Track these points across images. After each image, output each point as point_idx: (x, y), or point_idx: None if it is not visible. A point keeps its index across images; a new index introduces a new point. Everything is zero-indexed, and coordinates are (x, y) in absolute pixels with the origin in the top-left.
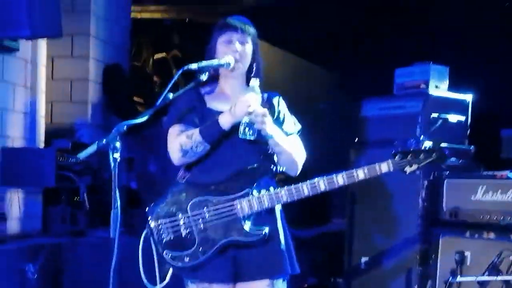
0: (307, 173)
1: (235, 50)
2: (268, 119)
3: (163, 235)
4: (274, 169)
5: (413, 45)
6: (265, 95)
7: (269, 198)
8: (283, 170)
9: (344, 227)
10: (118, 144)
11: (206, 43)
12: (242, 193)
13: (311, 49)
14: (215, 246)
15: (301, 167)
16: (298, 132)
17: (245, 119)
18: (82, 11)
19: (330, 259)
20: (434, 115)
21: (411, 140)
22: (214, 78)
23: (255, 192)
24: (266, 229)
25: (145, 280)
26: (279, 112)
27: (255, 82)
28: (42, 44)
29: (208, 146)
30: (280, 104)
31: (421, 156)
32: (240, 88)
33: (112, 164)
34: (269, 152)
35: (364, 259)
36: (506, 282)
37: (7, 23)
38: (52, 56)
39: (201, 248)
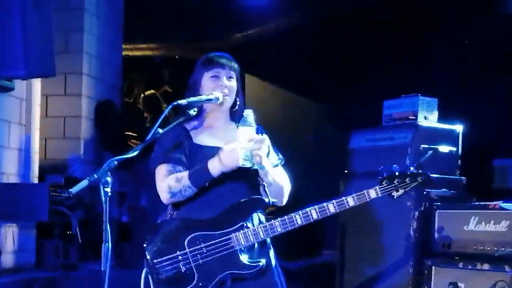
0: (298, 203)
1: (223, 85)
2: (265, 147)
3: (162, 273)
4: (266, 201)
5: (402, 78)
6: None
7: (264, 229)
8: (273, 201)
9: (335, 259)
10: (109, 179)
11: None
12: (237, 226)
13: (300, 82)
14: (214, 280)
15: (287, 197)
16: (281, 163)
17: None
18: (75, 50)
19: None
20: (424, 146)
21: (396, 166)
22: (199, 113)
23: (249, 224)
24: (263, 261)
25: None
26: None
27: (248, 112)
28: (36, 83)
29: (196, 190)
30: (264, 135)
31: (407, 180)
32: (225, 122)
33: (103, 199)
34: (259, 184)
35: None
36: None
37: (3, 64)
38: (46, 94)
39: (200, 283)
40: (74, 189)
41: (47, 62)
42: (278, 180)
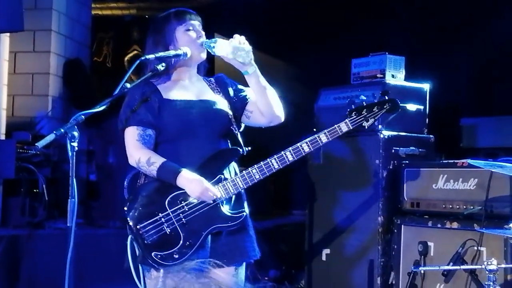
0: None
1: (201, 34)
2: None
3: (148, 237)
4: (241, 151)
5: (369, 36)
6: (212, 79)
7: (243, 179)
8: (271, 121)
9: (305, 219)
10: (76, 133)
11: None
12: (215, 179)
13: (268, 41)
14: (201, 237)
15: (283, 112)
16: None
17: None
18: (44, 8)
19: (292, 251)
20: None
21: (362, 97)
22: (167, 68)
23: (227, 176)
24: (246, 210)
25: (138, 283)
26: (233, 84)
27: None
28: (5, 40)
29: None
30: (228, 79)
31: (375, 108)
32: (193, 75)
33: (70, 153)
34: (234, 134)
35: (325, 251)
36: (471, 271)
37: None
38: (14, 51)
39: (187, 242)
40: (40, 143)
41: (15, 17)
42: (269, 90)
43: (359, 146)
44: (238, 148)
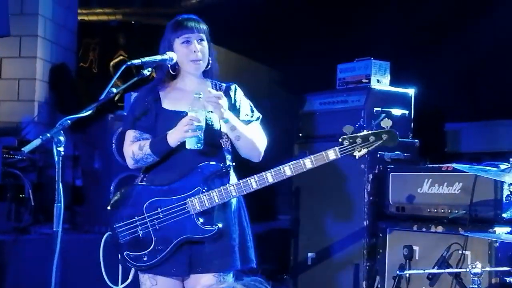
0: (254, 168)
1: (196, 50)
2: (223, 102)
3: (121, 237)
4: (227, 165)
5: (355, 41)
6: (223, 85)
7: (219, 194)
8: (247, 157)
9: (290, 223)
10: (62, 138)
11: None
12: (192, 191)
13: (253, 47)
14: (171, 244)
15: (263, 153)
16: (258, 119)
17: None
18: (30, 13)
19: (278, 256)
20: (377, 109)
21: (360, 124)
22: (173, 74)
23: (205, 189)
24: (220, 225)
25: (107, 281)
26: (235, 101)
27: (200, 95)
28: None
29: (158, 158)
30: (236, 93)
31: (371, 138)
32: (198, 83)
33: (56, 158)
34: (223, 147)
35: (310, 255)
36: (456, 275)
37: None
38: (0, 57)
39: (157, 247)
40: (26, 148)
41: (1, 22)
42: (248, 135)
43: None
44: (220, 164)
